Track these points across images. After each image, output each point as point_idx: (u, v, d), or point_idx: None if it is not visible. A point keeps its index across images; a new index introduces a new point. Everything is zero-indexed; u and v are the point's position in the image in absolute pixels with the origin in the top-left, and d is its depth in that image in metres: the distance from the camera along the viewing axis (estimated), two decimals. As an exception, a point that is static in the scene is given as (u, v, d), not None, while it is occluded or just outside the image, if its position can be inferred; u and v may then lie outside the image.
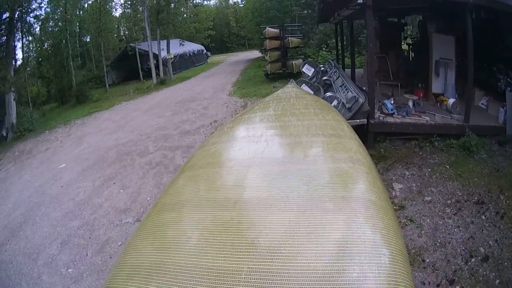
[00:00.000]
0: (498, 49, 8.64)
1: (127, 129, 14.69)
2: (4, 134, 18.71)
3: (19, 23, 22.76)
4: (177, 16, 28.69)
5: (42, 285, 6.12)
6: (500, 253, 4.66)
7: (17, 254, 7.31)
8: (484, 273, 4.44)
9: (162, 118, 15.43)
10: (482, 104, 8.89)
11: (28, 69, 25.97)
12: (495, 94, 8.68)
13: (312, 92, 8.89)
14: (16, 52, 23.84)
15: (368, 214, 1.94)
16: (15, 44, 23.19)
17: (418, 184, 6.54)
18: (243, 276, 1.58)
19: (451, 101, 8.51)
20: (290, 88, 5.76)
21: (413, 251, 4.94)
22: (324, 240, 1.73)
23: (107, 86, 27.81)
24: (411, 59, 12.49)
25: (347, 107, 7.60)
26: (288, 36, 19.33)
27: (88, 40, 31.89)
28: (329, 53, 20.25)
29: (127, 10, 32.50)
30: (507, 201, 5.67)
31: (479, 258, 4.65)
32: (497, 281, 4.34)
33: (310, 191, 2.21)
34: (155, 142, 12.14)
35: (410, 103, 8.70)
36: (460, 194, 6.05)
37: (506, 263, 4.50)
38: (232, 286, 1.54)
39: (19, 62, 24.49)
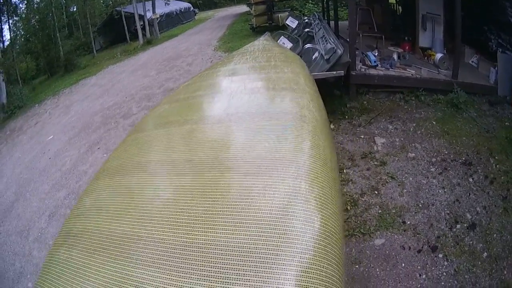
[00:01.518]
0: (490, 9, 8.45)
1: (113, 93, 14.94)
2: None
3: (4, 7, 23.62)
4: None
5: (33, 261, 6.43)
6: (488, 222, 4.46)
7: (10, 234, 7.63)
8: (471, 242, 4.27)
9: (147, 78, 15.59)
10: (472, 62, 8.66)
11: (17, 47, 26.57)
12: (486, 54, 8.45)
13: (291, 44, 9.02)
14: (4, 34, 24.79)
15: (299, 179, 1.88)
16: (2, 26, 24.14)
17: (402, 139, 6.40)
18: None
19: (439, 55, 8.37)
20: (260, 41, 5.92)
21: (393, 211, 4.79)
22: (250, 206, 1.71)
23: (94, 52, 28.11)
24: (398, 13, 12.42)
25: (325, 58, 7.51)
26: (273, -11, 18.04)
27: (74, 9, 31.52)
28: (316, 6, 20.03)
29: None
30: (497, 165, 5.41)
31: (465, 225, 4.48)
32: (485, 254, 4.15)
33: (244, 151, 2.28)
34: (138, 103, 12.32)
35: (395, 56, 8.59)
36: (446, 152, 5.86)
37: (495, 235, 4.29)
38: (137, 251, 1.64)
39: (7, 43, 25.32)
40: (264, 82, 3.52)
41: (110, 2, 33.95)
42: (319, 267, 1.42)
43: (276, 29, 16.56)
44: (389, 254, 4.18)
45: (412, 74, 7.87)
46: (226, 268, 1.43)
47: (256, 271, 1.38)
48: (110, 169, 2.67)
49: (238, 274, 1.39)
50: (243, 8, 28.26)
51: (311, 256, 1.45)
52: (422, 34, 9.28)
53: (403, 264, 4.12)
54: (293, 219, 1.59)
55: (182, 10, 37.17)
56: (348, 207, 4.83)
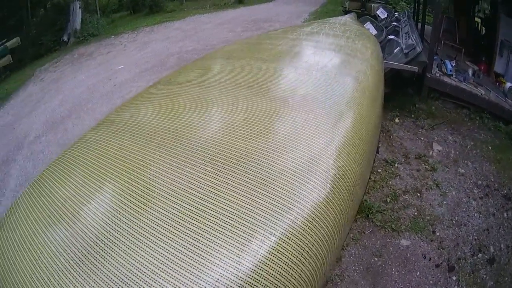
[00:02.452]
0: None
1: (194, 39, 14.98)
2: (65, 39, 19.62)
3: None
4: None
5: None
6: (506, 262, 4.34)
7: (51, 144, 7.89)
8: (484, 276, 4.15)
9: (232, 32, 15.53)
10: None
11: None
12: None
13: (375, 32, 9.22)
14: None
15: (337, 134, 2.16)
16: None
17: (457, 152, 6.36)
18: None
19: (509, 85, 8.06)
20: (344, 17, 6.24)
21: (428, 218, 4.77)
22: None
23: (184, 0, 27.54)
24: (481, 33, 12.18)
25: (404, 52, 7.56)
26: (370, -23, 19.09)
27: None
28: (408, 5, 19.44)
29: None
30: (536, 211, 5.22)
31: (486, 257, 4.37)
32: (492, 292, 3.98)
33: (298, 92, 2.66)
34: (217, 52, 11.79)
35: (470, 71, 8.39)
36: (492, 179, 5.68)
37: (506, 278, 4.15)
38: None
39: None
40: (332, 45, 3.84)
41: None
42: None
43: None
44: (409, 258, 4.25)
45: (481, 94, 7.79)
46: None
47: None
48: (176, 79, 3.31)
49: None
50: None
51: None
52: (498, 59, 9.09)
53: (418, 273, 4.16)
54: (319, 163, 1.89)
55: None
56: (388, 200, 4.93)
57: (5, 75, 18.02)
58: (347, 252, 4.05)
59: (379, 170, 5.46)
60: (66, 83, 11.98)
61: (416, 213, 4.83)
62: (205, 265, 1.41)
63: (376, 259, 4.18)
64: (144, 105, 2.96)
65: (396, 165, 5.71)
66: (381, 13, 12.70)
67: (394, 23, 10.73)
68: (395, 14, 12.49)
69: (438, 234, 4.57)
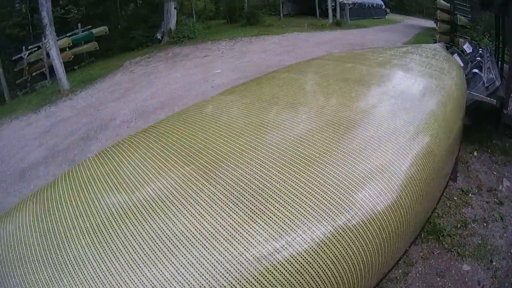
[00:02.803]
0: None
1: (292, 55, 14.76)
2: (159, 37, 20.41)
3: None
4: None
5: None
6: None
7: (138, 129, 7.88)
8: None
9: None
10: None
11: None
12: None
13: (461, 63, 9.15)
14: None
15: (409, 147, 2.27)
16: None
17: None
18: None
19: None
20: (435, 45, 6.43)
21: (489, 247, 4.69)
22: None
23: (281, 15, 28.36)
24: None
25: (485, 85, 7.83)
26: (457, 14, 19.39)
27: None
28: (491, 43, 18.71)
29: None
30: None
31: None
32: None
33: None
34: (314, 69, 11.90)
35: None
36: None
37: None
38: None
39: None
40: (423, 63, 4.17)
41: None
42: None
43: (453, 51, 15.87)
44: (467, 283, 4.18)
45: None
46: None
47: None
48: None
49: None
50: (429, 23, 27.38)
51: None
52: None
53: (470, 298, 4.24)
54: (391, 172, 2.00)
55: (374, 5, 36.80)
56: (458, 225, 4.94)
57: (89, 61, 19.09)
58: (415, 268, 4.15)
59: (454, 198, 5.51)
60: (159, 78, 12.31)
61: (480, 242, 4.83)
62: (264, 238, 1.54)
63: (438, 279, 4.28)
64: (232, 97, 3.14)
65: (470, 195, 5.76)
66: (467, 48, 13.08)
67: (478, 58, 10.97)
68: (479, 50, 12.84)
69: (494, 263, 4.54)
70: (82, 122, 9.38)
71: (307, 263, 1.51)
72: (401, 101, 2.81)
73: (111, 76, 13.99)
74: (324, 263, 1.55)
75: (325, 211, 1.66)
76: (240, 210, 1.65)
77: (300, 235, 1.56)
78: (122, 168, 2.14)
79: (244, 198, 1.71)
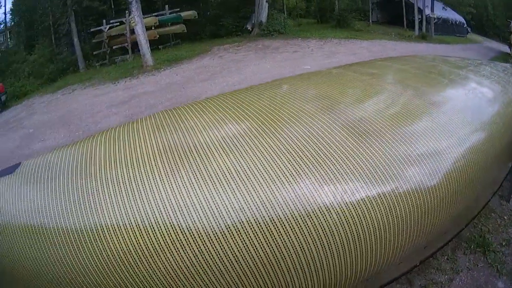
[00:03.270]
0: None
1: None
2: (249, 28, 20.60)
3: None
4: None
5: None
6: None
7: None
8: None
9: None
10: None
11: None
12: None
13: None
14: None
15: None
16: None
17: None
18: None
19: None
20: (506, 64, 6.43)
21: None
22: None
23: (370, 21, 28.63)
24: None
25: None
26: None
27: None
28: None
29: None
30: None
31: None
32: None
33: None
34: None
35: None
36: None
37: None
38: None
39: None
40: (492, 75, 4.19)
41: None
42: None
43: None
44: None
45: None
46: None
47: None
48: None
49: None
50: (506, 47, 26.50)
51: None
52: None
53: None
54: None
55: (457, 22, 36.25)
56: (503, 243, 4.50)
57: (175, 42, 19.27)
58: (459, 277, 3.89)
59: (505, 217, 4.99)
60: (248, 66, 12.23)
61: (519, 267, 5.03)
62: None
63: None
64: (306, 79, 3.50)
65: None
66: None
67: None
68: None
69: (525, 286, 4.60)
70: (166, 97, 9.31)
71: (349, 213, 1.80)
72: (465, 101, 3.05)
73: (199, 59, 14.12)
74: (365, 218, 1.83)
75: (374, 176, 1.93)
76: (301, 160, 1.92)
77: (348, 190, 1.84)
78: (197, 116, 2.44)
79: (306, 151, 1.98)
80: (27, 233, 1.82)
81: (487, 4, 55.57)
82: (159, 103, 8.88)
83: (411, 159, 2.10)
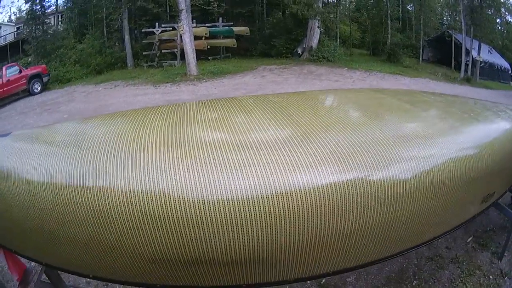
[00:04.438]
0: None
1: None
2: (299, 52, 20.69)
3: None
4: (489, 23, 28.10)
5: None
6: None
7: None
8: None
9: None
10: None
11: (346, 12, 29.24)
12: None
13: None
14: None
15: None
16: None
17: None
18: None
19: None
20: None
21: None
22: None
23: (420, 59, 28.33)
24: None
25: None
26: None
27: (410, 9, 32.06)
28: None
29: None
30: None
31: None
32: None
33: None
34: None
35: None
36: None
37: None
38: None
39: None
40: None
41: (446, 22, 33.64)
42: None
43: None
44: None
45: None
46: None
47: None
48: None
49: None
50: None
51: None
52: None
53: None
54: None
55: (502, 68, 34.78)
56: None
57: (225, 55, 19.51)
58: None
59: (490, 276, 4.56)
60: (284, 89, 12.31)
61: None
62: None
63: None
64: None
65: (505, 278, 4.80)
66: None
67: None
68: None
69: None
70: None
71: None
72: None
73: (242, 76, 14.27)
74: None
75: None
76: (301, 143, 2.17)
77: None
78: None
79: (308, 134, 2.27)
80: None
81: (534, 51, 54.43)
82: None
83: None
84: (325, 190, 1.95)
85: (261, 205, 1.87)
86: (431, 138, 2.57)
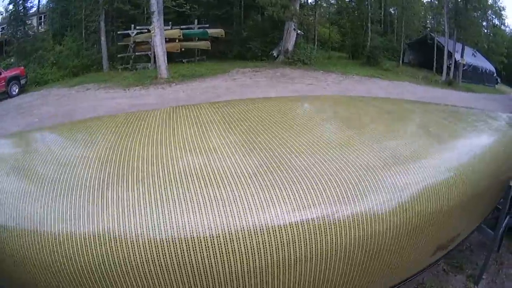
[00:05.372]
0: None
1: None
2: (275, 54, 20.80)
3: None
4: (474, 26, 28.39)
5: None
6: None
7: None
8: None
9: None
10: None
11: (326, 15, 29.70)
12: None
13: None
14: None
15: None
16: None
17: None
18: None
19: None
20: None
21: None
22: None
23: (400, 62, 28.39)
24: None
25: None
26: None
27: (393, 12, 32.10)
28: None
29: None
30: None
31: None
32: None
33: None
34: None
35: None
36: None
37: None
38: None
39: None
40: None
41: (429, 25, 34.10)
42: None
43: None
44: None
45: None
46: None
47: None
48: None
49: None
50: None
51: None
52: None
53: None
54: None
55: (487, 71, 34.93)
56: None
57: (200, 58, 19.59)
58: None
59: None
60: (253, 93, 12.41)
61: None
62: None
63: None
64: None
65: None
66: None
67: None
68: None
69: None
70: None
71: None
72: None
73: (212, 79, 14.33)
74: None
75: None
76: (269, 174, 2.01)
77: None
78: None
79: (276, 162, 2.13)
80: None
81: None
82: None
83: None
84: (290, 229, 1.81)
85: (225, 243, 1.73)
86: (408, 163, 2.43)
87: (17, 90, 14.81)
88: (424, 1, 35.75)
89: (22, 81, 15.15)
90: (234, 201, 1.82)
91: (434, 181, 2.34)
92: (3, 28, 20.57)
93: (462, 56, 26.71)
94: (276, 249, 1.75)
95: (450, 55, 26.76)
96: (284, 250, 1.76)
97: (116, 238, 1.67)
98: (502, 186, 3.59)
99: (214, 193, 1.84)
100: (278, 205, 1.82)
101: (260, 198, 1.85)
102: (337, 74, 19.07)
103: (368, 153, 2.34)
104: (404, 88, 19.18)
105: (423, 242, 2.37)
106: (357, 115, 3.52)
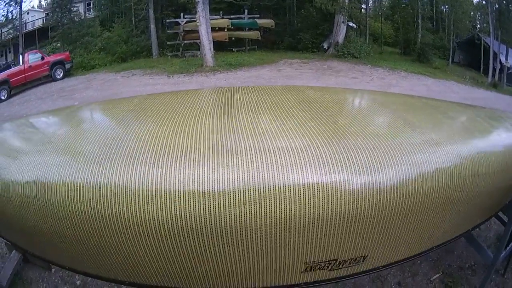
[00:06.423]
0: None
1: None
2: (325, 46, 20.48)
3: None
4: None
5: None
6: None
7: None
8: None
9: None
10: None
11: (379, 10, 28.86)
12: None
13: None
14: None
15: None
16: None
17: None
18: None
19: None
20: None
21: None
22: None
23: (450, 61, 27.42)
24: None
25: None
26: None
27: (444, 10, 31.24)
28: None
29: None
30: None
31: None
32: None
33: None
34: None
35: None
36: None
37: None
38: None
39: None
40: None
41: (479, 25, 32.75)
42: None
43: None
44: None
45: None
46: None
47: None
48: None
49: None
50: None
51: None
52: None
53: None
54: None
55: None
56: None
57: (250, 48, 19.58)
58: None
59: None
60: (295, 83, 12.32)
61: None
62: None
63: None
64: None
65: None
66: None
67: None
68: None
69: None
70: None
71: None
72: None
73: (258, 69, 14.31)
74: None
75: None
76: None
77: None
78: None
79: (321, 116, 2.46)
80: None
81: None
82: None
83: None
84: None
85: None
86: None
87: (61, 74, 15.52)
88: (473, 1, 35.11)
89: (67, 66, 15.81)
90: (280, 161, 1.90)
91: (457, 164, 2.35)
92: (47, 14, 20.89)
93: (506, 58, 25.94)
94: (309, 208, 1.83)
95: (495, 56, 26.17)
96: (316, 208, 1.84)
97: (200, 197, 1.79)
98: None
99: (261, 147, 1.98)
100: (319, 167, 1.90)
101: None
102: (384, 69, 18.87)
103: (410, 138, 2.36)
104: (449, 87, 19.15)
105: (439, 219, 2.41)
106: (404, 108, 3.42)
